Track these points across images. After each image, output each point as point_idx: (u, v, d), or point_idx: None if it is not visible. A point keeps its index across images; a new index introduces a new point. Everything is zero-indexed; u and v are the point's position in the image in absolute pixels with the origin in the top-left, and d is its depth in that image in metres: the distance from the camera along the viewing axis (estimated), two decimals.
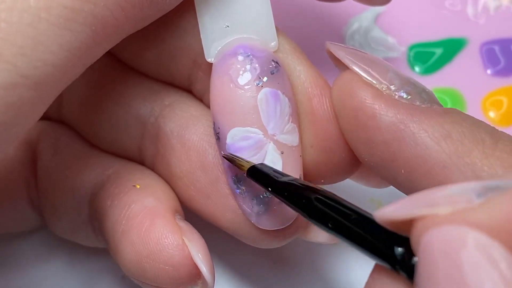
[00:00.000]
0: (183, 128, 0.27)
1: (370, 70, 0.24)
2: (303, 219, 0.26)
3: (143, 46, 0.27)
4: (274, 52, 0.25)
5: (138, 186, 0.27)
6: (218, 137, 0.25)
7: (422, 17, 0.37)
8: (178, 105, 0.27)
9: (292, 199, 0.22)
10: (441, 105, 0.24)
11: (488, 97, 0.35)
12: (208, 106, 0.26)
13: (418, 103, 0.24)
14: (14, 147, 0.26)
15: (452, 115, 0.23)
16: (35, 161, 0.29)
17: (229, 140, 0.24)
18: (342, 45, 0.25)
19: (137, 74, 0.28)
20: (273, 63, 0.25)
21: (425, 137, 0.23)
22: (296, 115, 0.25)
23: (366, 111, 0.24)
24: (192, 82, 0.27)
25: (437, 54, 0.36)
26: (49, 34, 0.21)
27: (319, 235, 0.27)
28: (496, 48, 0.37)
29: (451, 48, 0.37)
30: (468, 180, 0.21)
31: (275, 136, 0.24)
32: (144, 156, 0.28)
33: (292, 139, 0.25)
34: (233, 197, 0.25)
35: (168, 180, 0.27)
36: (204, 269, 0.25)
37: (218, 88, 0.25)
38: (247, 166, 0.24)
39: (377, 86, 0.24)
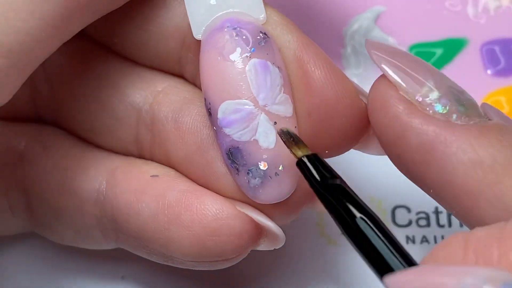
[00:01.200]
0: (177, 112, 0.27)
1: (407, 79, 0.24)
2: (306, 190, 0.25)
3: (131, 30, 0.27)
4: (262, 24, 0.25)
5: (158, 175, 0.27)
6: (210, 112, 0.25)
7: (422, 17, 0.37)
8: (171, 90, 0.27)
9: (334, 208, 0.22)
10: (481, 116, 0.23)
11: (488, 97, 0.35)
12: (200, 88, 0.26)
13: (454, 117, 0.23)
14: None
15: (489, 135, 0.22)
16: (17, 167, 0.28)
17: (220, 114, 0.24)
18: (381, 43, 0.25)
19: (128, 62, 0.28)
20: (261, 34, 0.25)
21: (454, 162, 0.22)
22: (289, 86, 0.25)
23: (396, 129, 0.23)
24: (182, 65, 0.27)
25: (437, 54, 0.36)
26: (21, 2, 0.21)
27: None
28: (497, 48, 0.37)
29: (451, 48, 0.37)
30: (496, 213, 0.21)
31: (266, 106, 0.24)
32: (142, 144, 0.28)
33: (285, 109, 0.25)
34: (230, 174, 0.25)
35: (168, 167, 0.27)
36: (270, 224, 0.26)
37: (207, 63, 0.25)
38: (299, 154, 0.23)
39: (411, 99, 0.23)
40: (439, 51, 0.36)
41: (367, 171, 0.33)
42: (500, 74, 0.36)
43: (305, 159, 0.23)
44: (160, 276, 0.31)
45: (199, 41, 0.25)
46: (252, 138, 0.24)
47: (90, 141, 0.28)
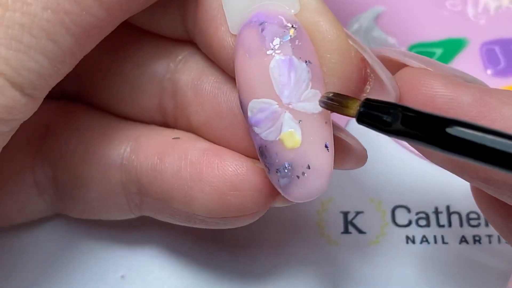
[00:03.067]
0: (196, 79, 0.27)
1: (429, 67, 0.25)
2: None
3: (159, 10, 0.28)
4: (297, 13, 0.24)
5: (179, 138, 0.27)
6: (243, 110, 0.25)
7: (422, 17, 0.37)
8: (191, 57, 0.28)
9: (417, 135, 0.22)
10: (486, 86, 0.25)
11: None
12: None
13: None
14: (19, 130, 0.26)
15: None
16: (42, 142, 0.29)
17: (249, 113, 0.24)
18: (394, 48, 0.26)
19: (149, 33, 0.29)
20: (288, 27, 0.24)
21: (509, 109, 0.24)
22: (320, 79, 0.24)
23: (447, 94, 0.24)
24: None
25: (437, 54, 0.36)
26: (32, 46, 0.23)
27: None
28: (497, 48, 0.37)
29: (451, 48, 0.37)
30: None
31: (290, 105, 0.24)
32: (165, 112, 0.28)
33: (312, 106, 0.24)
34: (249, 138, 0.26)
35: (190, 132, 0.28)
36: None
37: (237, 60, 0.25)
38: (353, 107, 0.23)
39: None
40: (439, 51, 0.36)
41: (367, 171, 0.33)
42: (500, 74, 0.36)
43: (361, 112, 0.23)
44: (160, 276, 0.32)
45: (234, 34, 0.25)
46: (277, 138, 0.24)
47: (114, 112, 0.29)
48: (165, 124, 0.29)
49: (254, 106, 0.24)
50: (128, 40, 0.29)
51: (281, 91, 0.24)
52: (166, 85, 0.28)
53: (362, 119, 0.23)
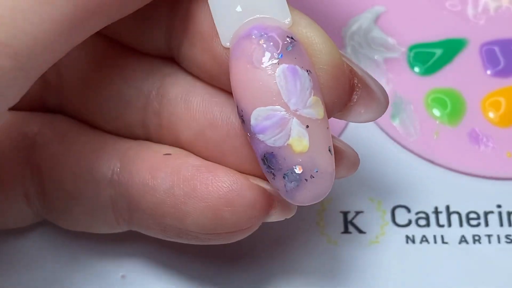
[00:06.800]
0: (186, 93, 0.27)
1: None
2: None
3: (146, 27, 0.27)
4: (290, 27, 0.25)
5: (171, 154, 0.27)
6: (243, 119, 0.25)
7: (422, 18, 0.37)
8: (179, 72, 0.28)
9: None
10: None
11: (487, 98, 0.35)
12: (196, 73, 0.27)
13: None
14: (8, 139, 0.26)
15: None
16: (31, 154, 0.29)
17: (253, 121, 0.25)
18: None
19: (136, 51, 0.28)
20: (288, 39, 0.25)
21: None
22: (318, 88, 0.25)
23: None
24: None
25: (437, 54, 0.36)
26: (29, 6, 0.22)
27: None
28: (496, 48, 0.37)
29: (451, 48, 0.37)
30: None
31: (297, 111, 0.25)
32: (149, 129, 0.28)
33: (316, 112, 0.25)
34: (247, 147, 0.26)
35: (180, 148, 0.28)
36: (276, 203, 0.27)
37: (237, 71, 0.25)
38: None
39: None
40: (439, 51, 0.36)
41: (367, 171, 0.33)
42: (499, 75, 0.36)
43: None
44: (160, 275, 0.32)
45: (227, 47, 0.26)
46: (286, 143, 0.25)
47: (98, 127, 0.29)
48: (148, 140, 0.29)
49: (259, 114, 0.25)
50: (115, 55, 0.28)
51: (289, 98, 0.24)
52: (152, 100, 0.28)
53: None
